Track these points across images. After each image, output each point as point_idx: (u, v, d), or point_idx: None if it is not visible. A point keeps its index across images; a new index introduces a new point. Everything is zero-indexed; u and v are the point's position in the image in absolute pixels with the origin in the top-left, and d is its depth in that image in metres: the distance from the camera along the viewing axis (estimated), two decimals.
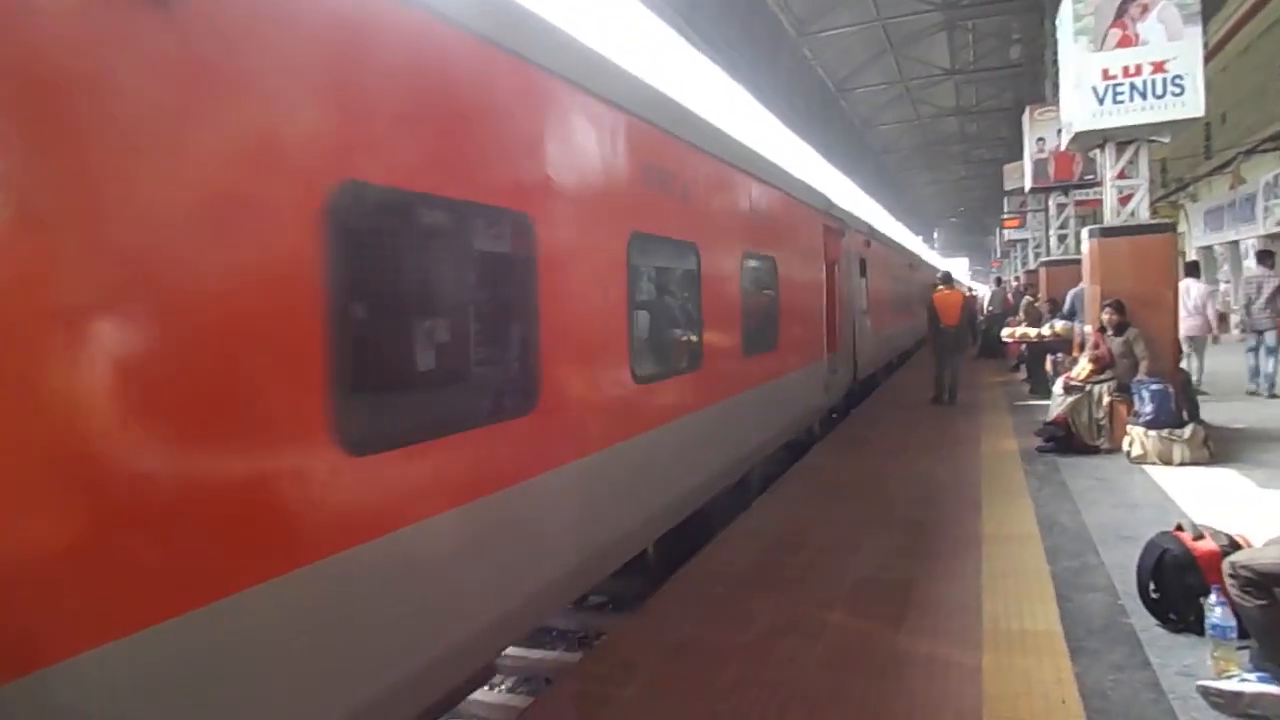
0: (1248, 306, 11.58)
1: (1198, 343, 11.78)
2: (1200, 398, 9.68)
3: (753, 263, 7.60)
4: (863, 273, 14.06)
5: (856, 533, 6.10)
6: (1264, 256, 12.01)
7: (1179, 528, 4.30)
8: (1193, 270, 12.87)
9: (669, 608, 4.79)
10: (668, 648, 4.20)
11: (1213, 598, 3.60)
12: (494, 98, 3.52)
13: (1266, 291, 11.27)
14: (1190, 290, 11.52)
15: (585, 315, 4.31)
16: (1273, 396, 11.21)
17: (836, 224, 11.58)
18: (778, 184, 8.54)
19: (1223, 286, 23.96)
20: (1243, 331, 12.00)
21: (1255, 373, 11.54)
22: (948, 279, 14.22)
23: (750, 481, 7.70)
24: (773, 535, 6.18)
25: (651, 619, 4.63)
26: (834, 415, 12.34)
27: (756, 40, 17.60)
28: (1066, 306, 12.17)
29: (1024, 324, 13.70)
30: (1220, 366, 12.40)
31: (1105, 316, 8.77)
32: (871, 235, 15.70)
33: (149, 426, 2.09)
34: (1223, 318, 19.06)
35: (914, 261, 26.83)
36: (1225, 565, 3.48)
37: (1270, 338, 11.27)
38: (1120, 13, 8.87)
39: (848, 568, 5.31)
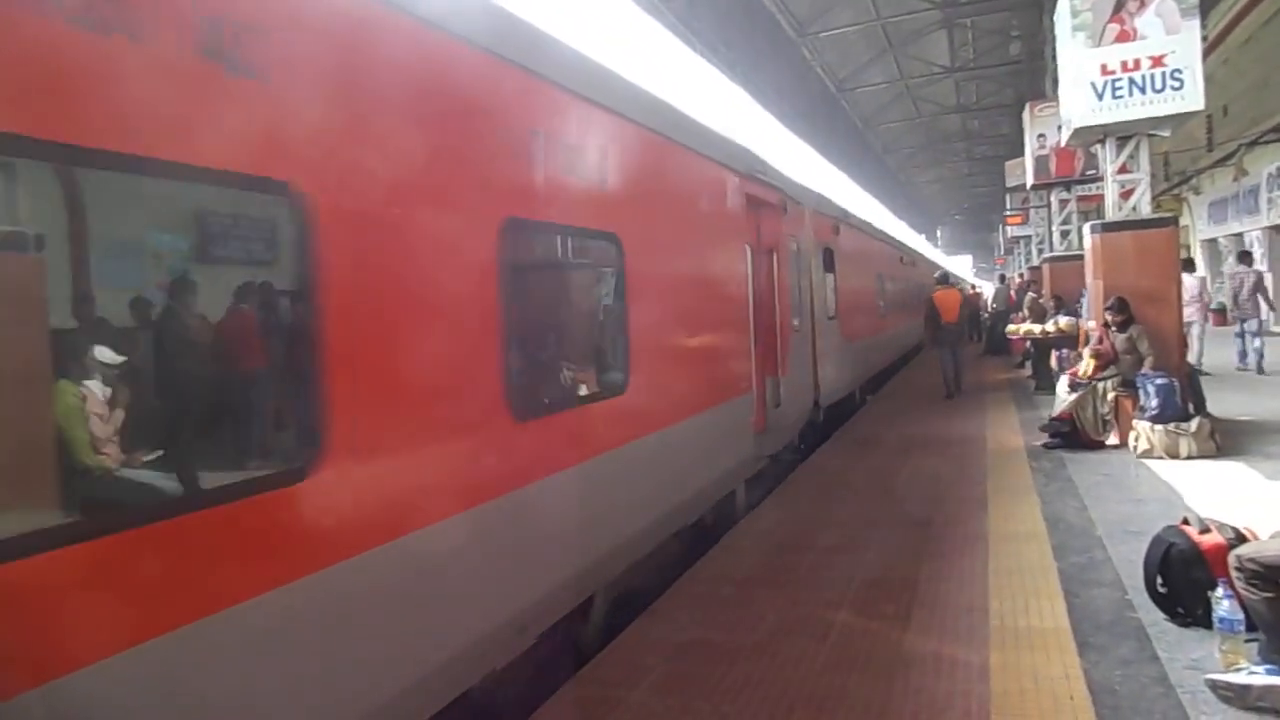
0: (1235, 298, 13.57)
1: (1194, 328, 12.71)
2: (1201, 376, 9.75)
3: (539, 241, 4.37)
4: (829, 267, 11.38)
5: (863, 532, 6.11)
6: (1244, 256, 14.65)
7: (1185, 522, 4.29)
8: (1186, 266, 13.18)
9: (677, 609, 4.80)
10: (676, 648, 4.21)
11: (1220, 591, 3.59)
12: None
13: (1248, 285, 13.25)
14: (1185, 284, 11.75)
15: None
16: (1260, 372, 12.89)
17: (773, 196, 8.20)
18: (619, 108, 4.96)
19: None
20: (1231, 320, 14.11)
21: (1244, 355, 13.40)
22: (945, 278, 15.05)
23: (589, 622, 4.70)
24: (779, 536, 6.18)
25: (659, 620, 4.64)
26: (802, 447, 9.60)
27: (755, 41, 17.63)
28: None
29: (1028, 320, 13.69)
30: (1215, 358, 13.23)
31: (1108, 316, 8.76)
32: (844, 220, 12.81)
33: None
34: (1224, 311, 19.83)
35: (908, 255, 23.23)
36: (1231, 558, 3.48)
37: (1253, 324, 13.23)
38: (1118, 8, 8.87)
39: (854, 567, 5.31)
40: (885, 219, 38.78)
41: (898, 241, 21.46)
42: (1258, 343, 13.07)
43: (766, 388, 7.81)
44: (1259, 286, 13.31)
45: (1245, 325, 13.30)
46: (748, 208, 7.41)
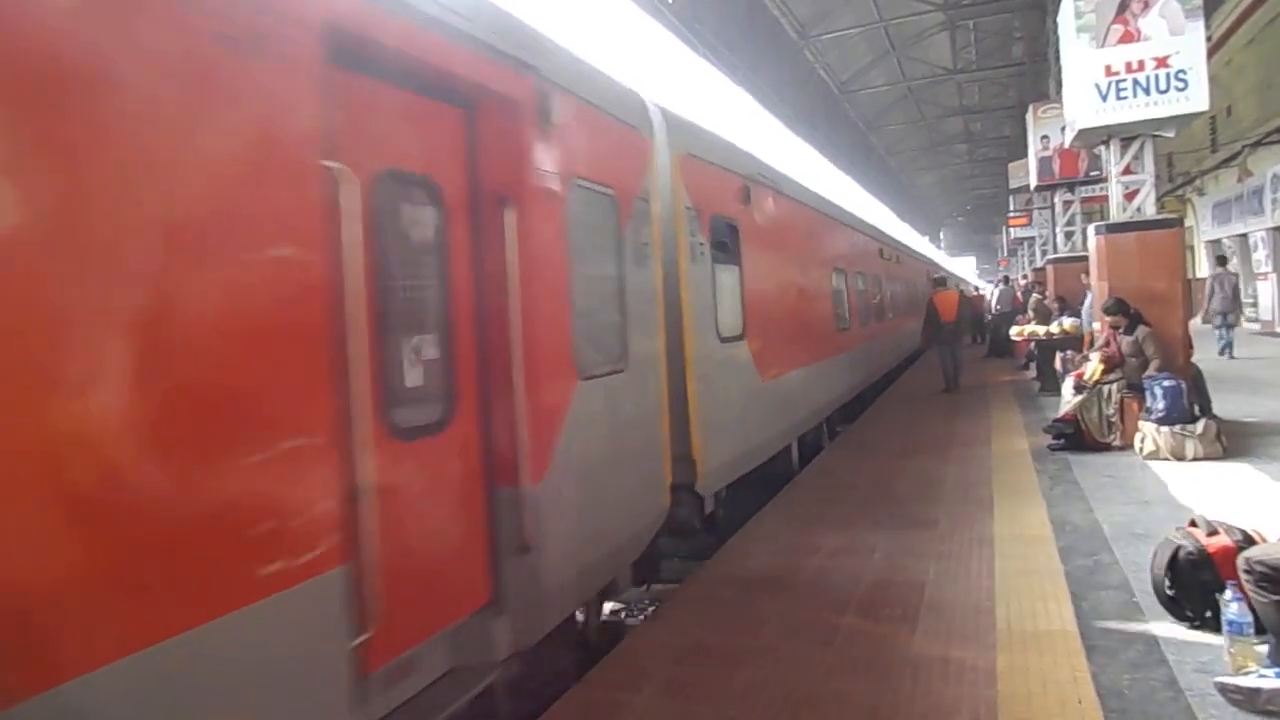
0: (1213, 295, 15.91)
1: None
2: None
3: None
4: (729, 256, 7.05)
5: (868, 535, 6.08)
6: (1222, 260, 17.25)
7: (1193, 524, 4.27)
8: None
9: (681, 612, 4.79)
10: (680, 652, 4.19)
11: (1228, 594, 3.56)
12: None
13: (1228, 286, 15.81)
14: None
15: None
16: (1232, 358, 15.17)
17: (495, 74, 3.69)
18: None
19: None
20: (1211, 316, 16.41)
21: (1222, 342, 15.65)
22: (944, 281, 16.71)
23: None
24: (784, 539, 6.16)
25: (664, 624, 4.63)
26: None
27: (757, 43, 17.64)
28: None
29: (1033, 322, 13.68)
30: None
31: (1107, 318, 8.75)
32: (764, 183, 8.16)
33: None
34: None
35: (891, 248, 18.22)
36: (1240, 561, 3.46)
37: (1230, 318, 15.81)
38: (1122, 9, 8.86)
39: (860, 570, 5.29)
40: (891, 222, 38.77)
41: (873, 228, 16.67)
42: (1230, 334, 15.68)
43: (498, 513, 3.62)
44: (1236, 287, 16.23)
45: (1225, 319, 15.74)
46: (344, 85, 2.89)
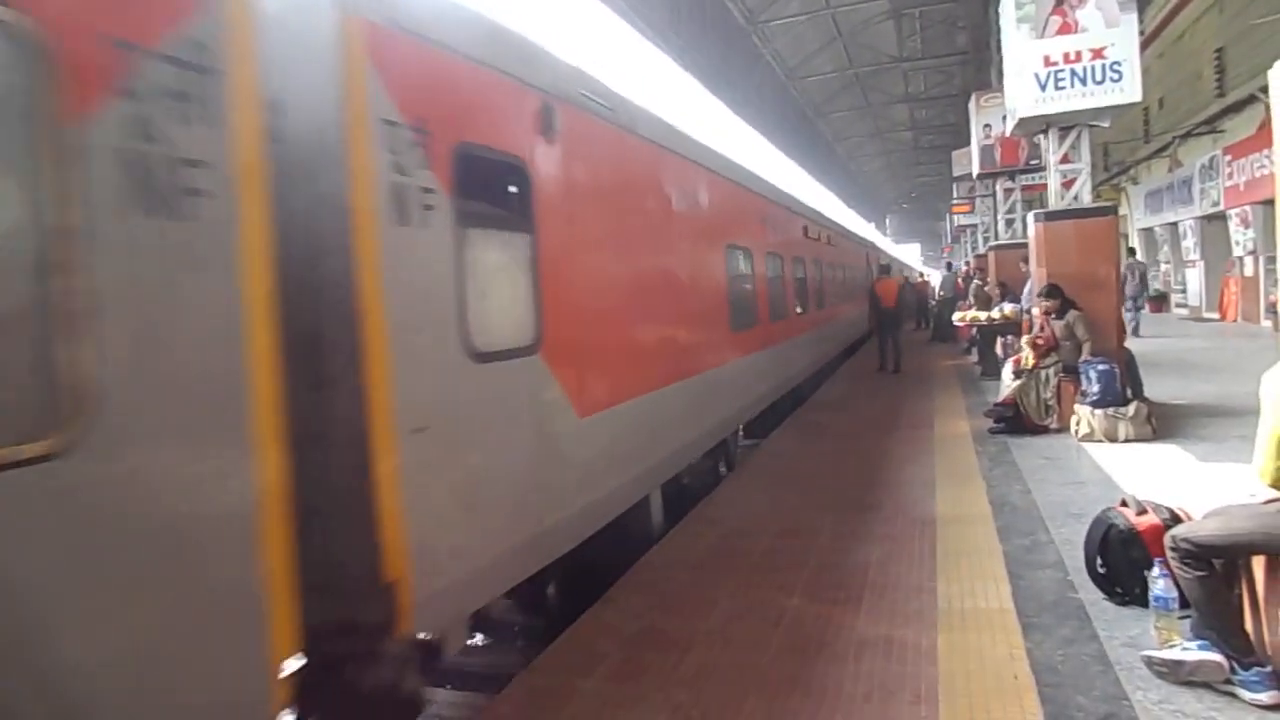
0: (1126, 282, 17.00)
1: None
2: None
3: None
4: (514, 218, 4.30)
5: (814, 518, 6.17)
6: (1132, 252, 20.42)
7: (1124, 503, 4.42)
8: None
9: (631, 597, 4.80)
10: (630, 637, 4.21)
11: (1155, 570, 3.71)
12: None
13: (1139, 273, 18.33)
14: None
15: None
16: (1136, 336, 16.14)
17: None
18: None
19: (1163, 267, 24.85)
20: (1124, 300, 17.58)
21: (1136, 328, 16.80)
22: (886, 270, 17.82)
23: None
24: (732, 522, 6.22)
25: (613, 608, 4.64)
26: None
27: (705, 29, 17.62)
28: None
29: (974, 308, 13.99)
30: None
31: (1040, 303, 9.01)
32: (592, 109, 5.22)
33: None
34: (1164, 297, 22.15)
35: (820, 226, 15.43)
36: (1167, 539, 3.58)
37: (1139, 302, 18.11)
38: (1060, 0, 9.05)
39: (806, 552, 5.37)
40: (838, 207, 39.15)
41: (794, 200, 13.49)
42: (1138, 316, 17.51)
43: None
44: (1144, 275, 19.25)
45: (1136, 302, 17.64)
46: None
